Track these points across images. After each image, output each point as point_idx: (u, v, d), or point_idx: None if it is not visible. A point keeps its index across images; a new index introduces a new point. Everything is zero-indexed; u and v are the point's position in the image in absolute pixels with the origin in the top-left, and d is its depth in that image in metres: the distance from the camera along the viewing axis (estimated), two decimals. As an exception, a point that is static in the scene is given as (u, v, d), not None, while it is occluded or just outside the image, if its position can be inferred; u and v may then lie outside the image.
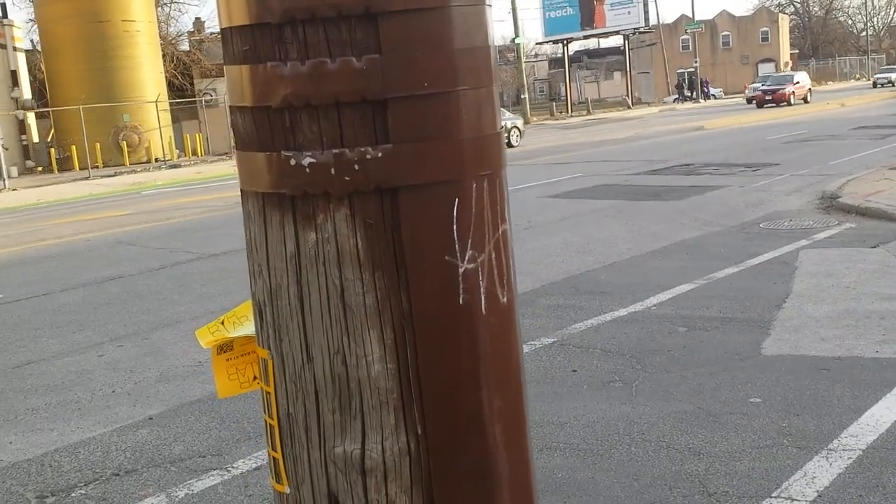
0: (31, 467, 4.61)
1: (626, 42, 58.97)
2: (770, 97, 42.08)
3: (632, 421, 4.54)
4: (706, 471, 3.92)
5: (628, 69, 59.27)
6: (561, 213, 12.12)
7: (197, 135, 36.26)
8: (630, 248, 9.25)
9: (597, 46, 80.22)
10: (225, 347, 1.53)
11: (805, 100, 43.58)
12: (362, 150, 1.24)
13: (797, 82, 44.09)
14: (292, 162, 1.27)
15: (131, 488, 4.23)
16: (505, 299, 1.35)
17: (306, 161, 1.26)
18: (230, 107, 1.38)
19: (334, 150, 1.25)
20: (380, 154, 1.24)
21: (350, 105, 1.24)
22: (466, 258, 1.30)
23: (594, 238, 10.04)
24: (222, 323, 1.53)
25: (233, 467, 4.36)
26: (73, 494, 4.22)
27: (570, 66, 61.71)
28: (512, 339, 1.37)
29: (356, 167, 1.24)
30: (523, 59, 49.66)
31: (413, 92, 1.24)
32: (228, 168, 29.02)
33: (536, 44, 71.75)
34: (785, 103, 41.43)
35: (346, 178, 1.24)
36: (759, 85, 46.02)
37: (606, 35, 61.41)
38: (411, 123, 1.25)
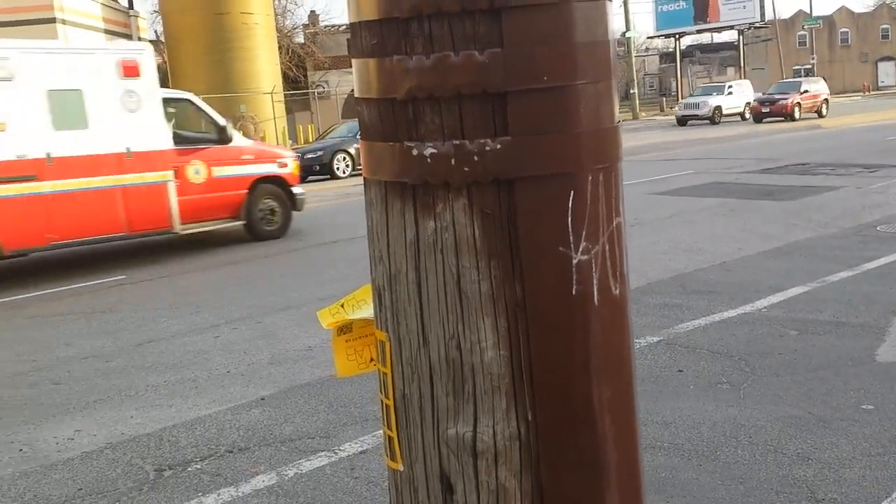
0: (151, 441, 4.86)
1: (741, 37, 57.13)
2: (768, 109, 35.19)
3: (739, 423, 4.45)
4: (815, 477, 3.81)
5: (742, 65, 57.43)
6: (670, 211, 11.90)
7: (309, 125, 37.17)
8: (741, 248, 9.01)
9: (710, 41, 78.07)
10: (345, 329, 1.59)
11: (819, 113, 36.12)
12: (482, 141, 1.27)
13: (804, 91, 36.09)
14: (414, 152, 1.31)
15: (243, 465, 4.41)
16: (618, 291, 1.36)
17: (428, 151, 1.30)
18: (356, 98, 1.44)
19: (455, 142, 1.29)
20: (499, 146, 1.27)
21: (471, 97, 1.28)
22: (580, 250, 1.32)
23: (703, 236, 9.82)
24: (342, 305, 1.59)
25: (340, 450, 4.49)
26: (189, 469, 4.43)
27: (681, 60, 60.24)
28: (624, 331, 1.38)
29: (475, 158, 1.27)
30: (633, 54, 48.89)
31: (533, 85, 1.26)
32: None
33: (647, 38, 70.31)
34: (785, 117, 34.66)
35: (466, 169, 1.28)
36: (759, 95, 38.38)
37: (720, 30, 59.61)
38: (530, 116, 1.27)
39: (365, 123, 1.41)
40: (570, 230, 1.31)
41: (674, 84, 59.79)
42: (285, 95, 37.40)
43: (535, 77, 1.26)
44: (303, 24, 47.75)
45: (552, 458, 1.34)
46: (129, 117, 10.55)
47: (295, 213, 12.66)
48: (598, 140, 1.32)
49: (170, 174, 10.91)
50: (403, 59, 1.30)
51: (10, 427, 5.23)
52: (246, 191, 11.89)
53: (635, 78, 48.71)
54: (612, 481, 1.37)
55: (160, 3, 37.96)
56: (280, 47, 39.28)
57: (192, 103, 12.04)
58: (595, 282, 1.34)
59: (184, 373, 6.12)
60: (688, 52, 74.68)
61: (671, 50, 63.11)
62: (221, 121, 11.96)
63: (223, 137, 11.71)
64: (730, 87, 38.94)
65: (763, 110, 35.35)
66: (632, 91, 46.37)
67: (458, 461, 1.36)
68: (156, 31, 42.07)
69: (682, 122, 36.74)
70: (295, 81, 40.63)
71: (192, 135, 11.75)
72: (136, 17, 36.62)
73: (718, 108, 36.83)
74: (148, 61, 10.98)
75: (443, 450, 1.36)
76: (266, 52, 36.48)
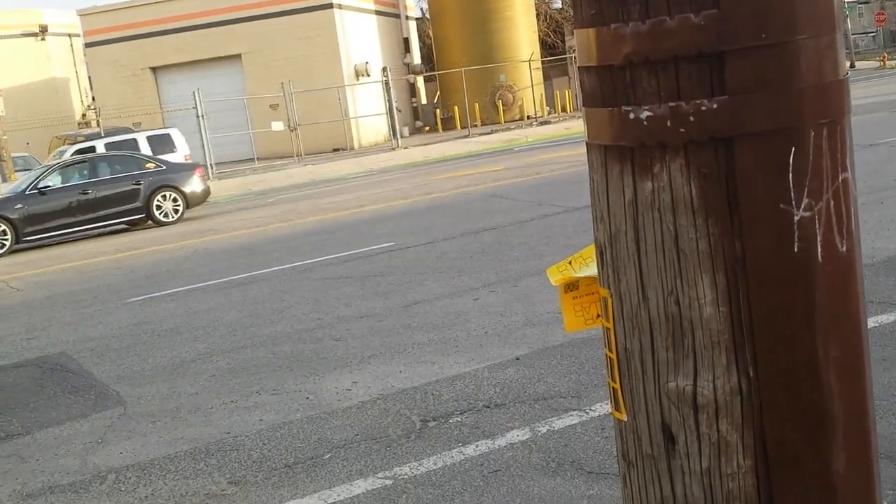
0: (417, 394, 5.24)
1: None
2: None
3: None
4: None
5: None
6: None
7: (567, 91, 37.17)
8: None
9: None
10: (571, 286, 1.68)
11: None
12: (698, 102, 1.30)
13: None
14: (631, 116, 1.36)
15: (500, 420, 4.65)
16: (844, 248, 1.33)
17: (644, 114, 1.35)
18: (579, 67, 1.51)
19: (670, 104, 1.32)
20: (715, 105, 1.29)
21: (687, 59, 1.30)
22: (802, 206, 1.31)
23: None
24: (570, 263, 1.68)
25: (591, 409, 4.59)
26: (450, 421, 4.74)
27: None
28: (851, 289, 1.35)
29: (691, 118, 1.30)
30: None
31: (750, 43, 1.27)
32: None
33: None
34: None
35: (682, 130, 1.31)
36: None
37: None
38: (748, 74, 1.28)
39: (586, 91, 1.47)
40: (792, 186, 1.30)
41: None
42: (543, 62, 37.61)
43: (752, 35, 1.26)
44: (559, -11, 47.59)
45: (775, 413, 1.35)
46: None
47: (552, 180, 12.74)
48: (821, 94, 1.30)
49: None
50: (620, 27, 1.35)
51: (299, 378, 5.87)
52: None
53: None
54: (839, 436, 1.35)
55: (424, -20, 39.56)
56: (538, 14, 39.50)
57: None
58: (819, 238, 1.32)
59: (446, 332, 6.50)
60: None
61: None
62: None
63: None
64: None
65: None
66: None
67: (679, 413, 1.40)
68: (421, 9, 43.91)
69: None
70: (552, 47, 40.72)
71: None
72: (403, -3, 38.35)
73: None
74: None
75: (664, 402, 1.42)
76: (524, 20, 36.86)
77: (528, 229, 10.60)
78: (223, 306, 8.48)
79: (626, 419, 1.50)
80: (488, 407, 4.87)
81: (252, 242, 12.66)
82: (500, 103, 35.31)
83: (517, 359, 5.64)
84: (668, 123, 1.32)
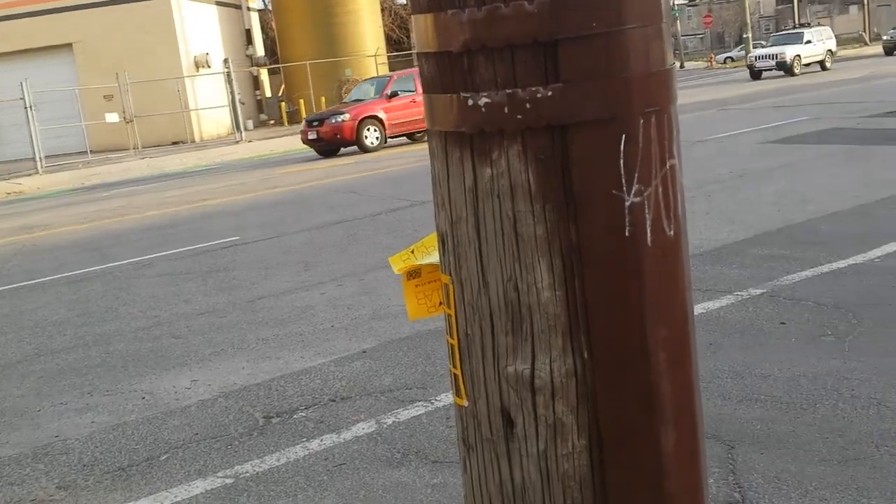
0: (260, 391, 5.12)
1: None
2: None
3: (841, 376, 4.34)
4: (922, 430, 3.70)
5: (866, 1, 54.27)
6: (781, 160, 11.50)
7: (414, 86, 37.37)
8: (857, 196, 8.65)
9: (832, -22, 73.97)
10: (414, 274, 1.67)
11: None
12: (533, 89, 1.32)
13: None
14: (470, 102, 1.37)
15: (345, 413, 4.61)
16: (671, 232, 1.39)
17: (482, 101, 1.35)
18: (417, 53, 1.50)
19: (507, 90, 1.33)
20: (550, 93, 1.31)
21: (522, 47, 1.32)
22: (633, 192, 1.35)
23: (816, 185, 9.46)
24: (412, 252, 1.67)
25: (436, 400, 4.63)
26: (295, 416, 4.66)
27: (799, 0, 57.37)
28: (678, 271, 1.41)
29: (528, 105, 1.32)
30: (747, -4, 46.83)
31: (582, 32, 1.29)
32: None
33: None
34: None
35: (519, 117, 1.33)
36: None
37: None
38: (580, 63, 1.30)
39: (425, 77, 1.47)
40: (623, 173, 1.34)
41: (792, 26, 57.09)
42: (389, 57, 37.67)
43: (584, 24, 1.29)
44: (405, -16, 47.80)
45: (608, 393, 1.39)
46: None
47: (399, 175, 12.80)
48: (649, 83, 1.34)
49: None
50: (457, 13, 1.35)
51: (135, 377, 5.60)
52: None
53: (749, 21, 46.70)
54: (668, 417, 1.41)
55: (266, -29, 38.75)
56: (382, 9, 39.53)
57: None
58: (648, 223, 1.37)
59: (291, 327, 6.39)
60: (807, -8, 71.03)
61: (788, -9, 60.28)
62: None
63: None
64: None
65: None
66: (745, 35, 44.49)
67: (517, 396, 1.42)
68: (263, 1, 42.99)
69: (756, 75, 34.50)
70: (398, 43, 40.87)
71: None
72: (245, -14, 37.45)
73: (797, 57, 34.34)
74: None
75: (503, 386, 1.43)
76: (369, 15, 36.80)
77: (376, 223, 10.58)
78: (52, 305, 7.99)
79: (466, 404, 1.50)
80: (334, 401, 4.82)
81: (86, 238, 12.00)
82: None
83: (364, 352, 5.61)
84: (506, 110, 1.33)
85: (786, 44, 34.90)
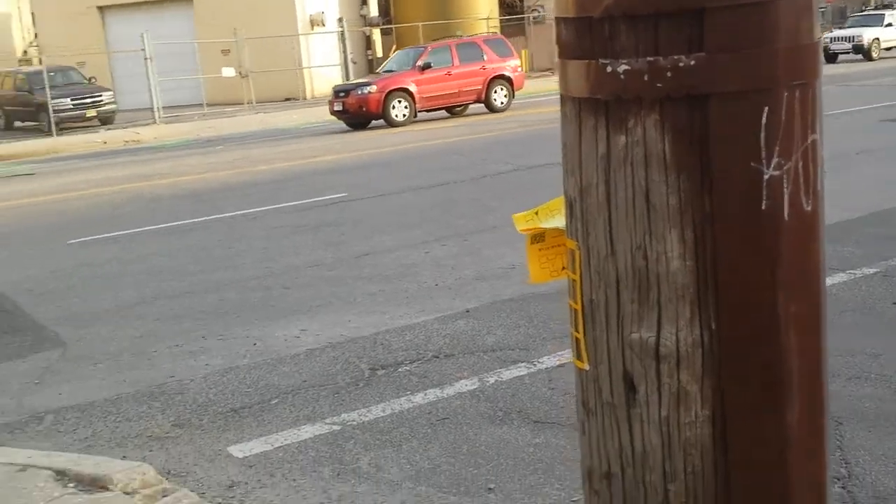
0: (366, 343, 5.26)
1: None
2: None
3: (960, 361, 4.17)
4: None
5: None
6: (906, 137, 10.95)
7: (523, 51, 36.99)
8: None
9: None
10: (538, 238, 1.70)
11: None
12: (675, 58, 1.31)
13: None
14: (608, 69, 1.37)
15: (448, 370, 4.69)
16: (809, 208, 1.37)
17: (621, 68, 1.35)
18: (556, 18, 1.51)
19: (648, 58, 1.33)
20: (692, 62, 1.30)
21: (667, 15, 1.31)
22: (772, 165, 1.33)
23: (944, 165, 8.99)
24: (536, 213, 1.69)
25: (539, 362, 4.67)
26: (399, 370, 4.77)
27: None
28: (814, 248, 1.39)
29: (668, 74, 1.31)
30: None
31: (731, 2, 1.28)
32: (550, 84, 29.41)
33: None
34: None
35: (658, 85, 1.32)
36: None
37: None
38: (726, 33, 1.29)
39: (562, 42, 1.47)
40: (763, 146, 1.33)
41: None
42: (500, 21, 37.32)
43: (732, -7, 1.27)
44: (519, -55, 47.09)
45: (733, 366, 1.38)
46: None
47: (503, 139, 12.74)
48: (796, 56, 1.32)
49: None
50: (601, -22, 1.35)
51: (247, 324, 5.83)
52: None
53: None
54: (794, 392, 1.40)
55: (382, -64, 38.77)
56: (497, -29, 39.05)
57: None
58: (786, 197, 1.35)
59: (396, 284, 6.51)
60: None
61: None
62: None
63: None
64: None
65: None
66: (864, 9, 42.16)
67: (640, 363, 1.43)
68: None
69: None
70: (511, 7, 40.38)
71: None
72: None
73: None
74: None
75: (626, 352, 1.45)
76: (482, -23, 36.43)
77: (480, 186, 10.61)
78: (169, 251, 8.36)
79: (587, 368, 1.53)
80: (437, 357, 4.91)
81: (201, 189, 12.46)
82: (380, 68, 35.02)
83: (467, 311, 5.68)
84: (645, 78, 1.33)
85: (864, 25, 32.45)
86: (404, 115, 19.62)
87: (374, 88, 19.49)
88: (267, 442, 4.01)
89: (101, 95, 25.98)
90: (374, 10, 38.00)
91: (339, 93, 20.19)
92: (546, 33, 34.73)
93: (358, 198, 10.40)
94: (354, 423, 4.13)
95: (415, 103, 19.74)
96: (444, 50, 20.90)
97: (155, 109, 25.43)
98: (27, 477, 3.65)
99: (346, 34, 28.98)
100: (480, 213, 8.80)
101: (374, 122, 19.87)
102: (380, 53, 38.23)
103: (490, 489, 3.42)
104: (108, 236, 9.26)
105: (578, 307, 1.52)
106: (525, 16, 37.96)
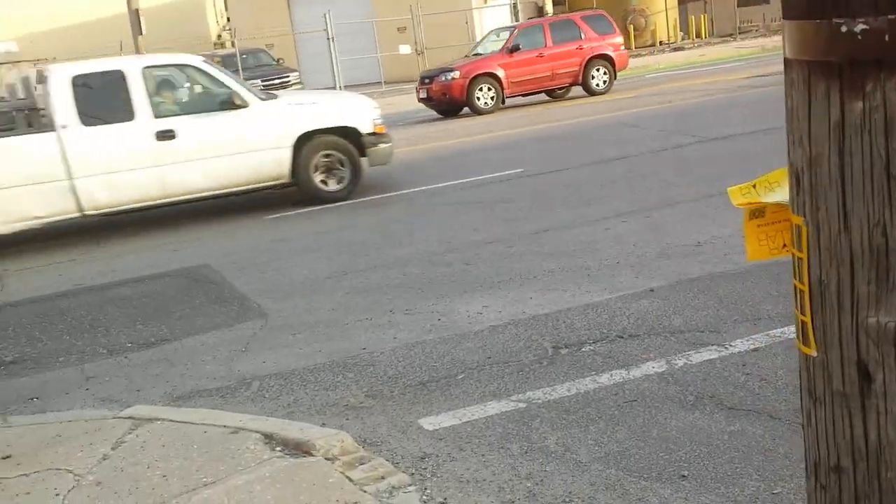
0: (548, 321, 5.23)
1: None
2: None
3: None
4: None
5: None
6: None
7: (702, 16, 35.51)
8: None
9: None
10: (756, 213, 1.59)
11: None
12: (924, 14, 1.18)
13: None
14: (843, 29, 1.26)
15: (634, 351, 4.59)
16: None
17: (858, 28, 1.24)
18: (781, -24, 1.40)
19: (890, 16, 1.21)
20: (944, 18, 1.17)
21: (915, -34, 1.18)
22: None
23: None
24: (754, 186, 1.59)
25: (730, 345, 4.47)
26: (583, 349, 4.71)
27: None
28: None
29: (915, 33, 1.19)
30: None
31: None
32: (731, 50, 28.07)
33: None
34: None
35: (903, 45, 1.20)
36: None
37: None
38: None
39: (790, 2, 1.37)
40: None
41: None
42: (679, 1, 35.97)
43: None
44: None
45: None
46: None
47: (684, 109, 12.30)
48: None
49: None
50: (837, -70, 1.24)
51: (430, 299, 5.95)
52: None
53: None
54: None
55: None
56: (675, -67, 37.59)
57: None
58: None
59: (576, 261, 6.43)
60: None
61: None
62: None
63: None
64: None
65: None
66: None
67: (877, 350, 1.32)
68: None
69: None
70: (690, -31, 38.79)
71: None
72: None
73: None
74: None
75: (861, 338, 1.34)
76: (661, -60, 35.21)
77: (660, 159, 10.29)
78: (356, 226, 8.66)
79: (815, 354, 1.42)
80: (622, 337, 4.81)
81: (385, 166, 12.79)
82: (631, 28, 34.09)
83: (651, 290, 5.52)
84: (886, 38, 1.21)
85: None
86: (491, 100, 18.57)
87: (457, 74, 18.51)
88: (455, 416, 4.08)
89: (288, 76, 27.22)
90: (549, 6, 37.61)
91: (425, 79, 19.32)
92: (728, -3, 33.13)
93: (535, 173, 10.35)
94: (540, 401, 4.12)
95: (503, 88, 18.63)
96: (535, 30, 19.55)
97: (337, 88, 26.38)
98: (239, 439, 3.90)
99: (519, 6, 28.83)
100: (661, 188, 8.53)
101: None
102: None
103: (683, 476, 3.31)
104: (299, 212, 9.70)
105: (805, 288, 1.42)
106: (707, -20, 36.37)
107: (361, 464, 3.59)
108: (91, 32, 32.41)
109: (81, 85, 9.06)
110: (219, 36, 38.33)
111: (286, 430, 3.94)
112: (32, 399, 4.98)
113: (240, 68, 24.92)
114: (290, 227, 9.06)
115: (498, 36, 20.46)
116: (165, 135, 9.22)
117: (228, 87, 9.62)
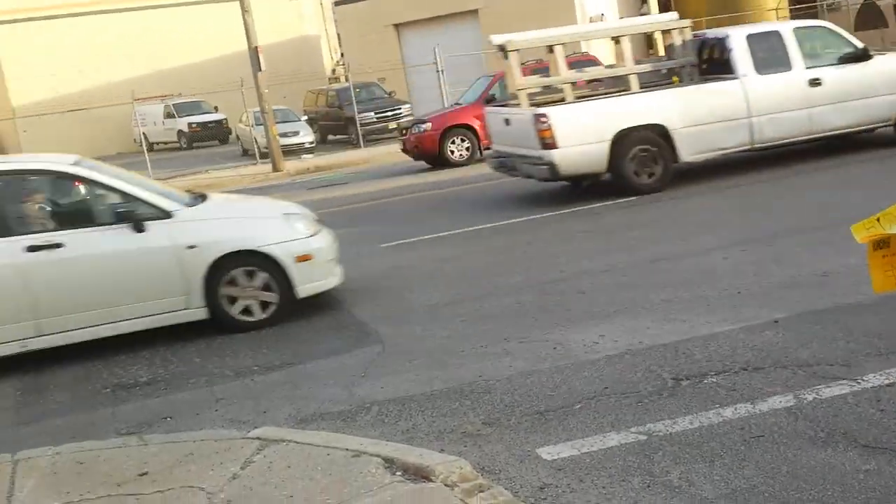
0: (667, 351, 5.15)
1: None
2: None
3: None
4: None
5: None
6: None
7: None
8: None
9: None
10: (881, 244, 1.57)
11: None
12: None
13: None
14: None
15: (759, 384, 4.47)
16: None
17: None
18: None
19: None
20: None
21: None
22: None
23: None
24: (878, 220, 1.57)
25: (863, 380, 4.30)
26: (705, 381, 4.62)
27: None
28: None
29: None
30: None
31: None
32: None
33: None
34: None
35: None
36: None
37: None
38: None
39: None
40: None
41: None
42: (790, 10, 34.98)
43: None
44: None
45: None
46: None
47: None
48: None
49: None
50: None
51: (545, 327, 5.94)
52: None
53: None
54: None
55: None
56: (789, -45, 36.65)
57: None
58: None
59: (694, 290, 6.32)
60: None
61: None
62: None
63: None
64: None
65: None
66: None
67: None
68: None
69: None
70: (805, -9, 37.74)
71: None
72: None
73: None
74: None
75: None
76: (780, -35, 34.41)
77: (778, 187, 10.01)
78: (469, 254, 8.74)
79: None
80: (745, 370, 4.69)
81: (493, 193, 12.88)
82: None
83: (776, 321, 5.37)
84: None
85: None
86: (465, 153, 17.57)
87: (428, 126, 17.67)
88: (574, 446, 4.06)
89: (399, 108, 27.79)
90: (654, 7, 37.22)
91: (403, 130, 18.63)
92: (842, 20, 31.97)
93: (647, 201, 10.23)
94: (661, 433, 4.06)
95: (479, 140, 17.29)
96: None
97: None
98: (361, 462, 3.99)
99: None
100: (786, 216, 8.30)
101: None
102: (661, 52, 37.31)
103: (816, 515, 3.20)
104: (415, 240, 9.83)
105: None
106: (818, 3, 35.26)
107: (481, 491, 3.61)
108: (214, 69, 34.18)
109: (753, 43, 11.09)
110: (333, 70, 39.57)
111: (406, 455, 4.01)
112: (166, 418, 5.22)
113: (354, 101, 25.58)
114: (406, 254, 9.21)
115: (481, 83, 19.11)
116: (815, 83, 11.00)
117: None
